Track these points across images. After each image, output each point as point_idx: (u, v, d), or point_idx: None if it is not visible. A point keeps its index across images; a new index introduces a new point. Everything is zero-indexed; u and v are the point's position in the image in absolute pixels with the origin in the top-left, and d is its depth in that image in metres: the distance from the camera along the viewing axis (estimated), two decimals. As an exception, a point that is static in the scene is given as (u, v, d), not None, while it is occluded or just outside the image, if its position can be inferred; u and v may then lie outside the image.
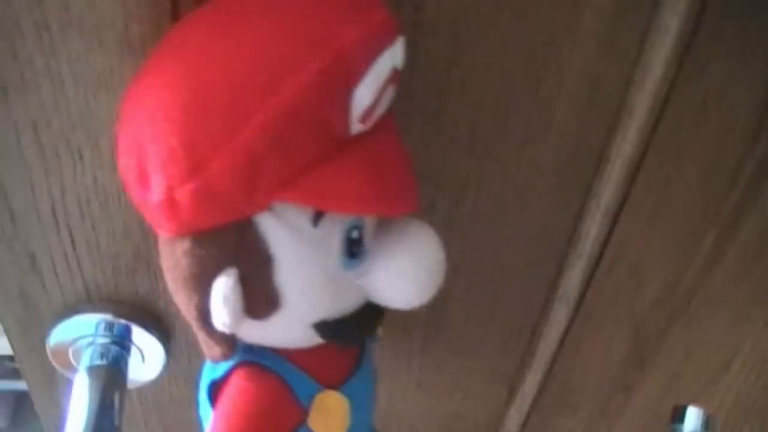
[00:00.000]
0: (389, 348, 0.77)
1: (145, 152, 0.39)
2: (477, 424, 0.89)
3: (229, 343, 0.47)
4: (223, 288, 0.42)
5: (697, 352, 0.82)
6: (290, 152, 0.38)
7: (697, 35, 0.54)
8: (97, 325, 0.66)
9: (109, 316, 0.66)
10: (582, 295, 0.71)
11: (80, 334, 0.67)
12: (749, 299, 0.76)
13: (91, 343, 0.67)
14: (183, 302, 0.45)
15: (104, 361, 0.67)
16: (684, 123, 0.59)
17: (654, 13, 0.53)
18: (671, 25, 0.53)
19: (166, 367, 0.71)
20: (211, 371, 0.52)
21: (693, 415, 0.71)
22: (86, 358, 0.67)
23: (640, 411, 0.89)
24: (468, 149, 0.59)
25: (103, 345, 0.67)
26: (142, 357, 0.70)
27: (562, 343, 0.77)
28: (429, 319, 0.74)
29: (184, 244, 0.42)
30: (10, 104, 0.51)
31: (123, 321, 0.66)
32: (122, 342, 0.67)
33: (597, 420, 0.89)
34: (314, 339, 0.48)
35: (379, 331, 0.60)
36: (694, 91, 0.57)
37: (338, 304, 0.46)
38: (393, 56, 0.40)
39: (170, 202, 0.39)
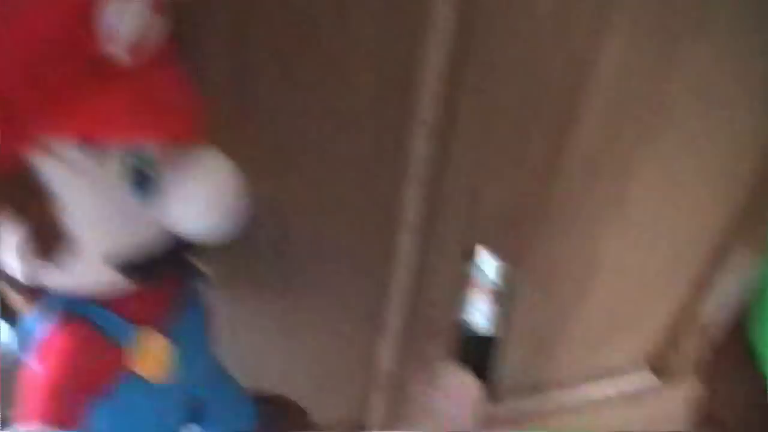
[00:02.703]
0: (245, 299, 0.76)
1: None
2: (349, 363, 0.89)
3: (36, 293, 0.46)
4: (10, 235, 0.41)
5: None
6: (43, 81, 0.37)
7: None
8: None
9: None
10: (425, 220, 0.72)
11: None
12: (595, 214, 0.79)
13: None
14: None
15: None
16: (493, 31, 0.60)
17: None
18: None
19: None
20: (28, 327, 0.51)
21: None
22: None
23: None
24: (278, 80, 0.59)
25: None
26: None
27: (414, 274, 0.77)
28: (279, 263, 0.74)
29: None
30: None
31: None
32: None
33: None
34: (119, 280, 0.47)
35: (207, 271, 0.59)
36: None
37: (135, 239, 0.46)
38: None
39: None
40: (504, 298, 0.88)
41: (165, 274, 0.51)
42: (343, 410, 0.97)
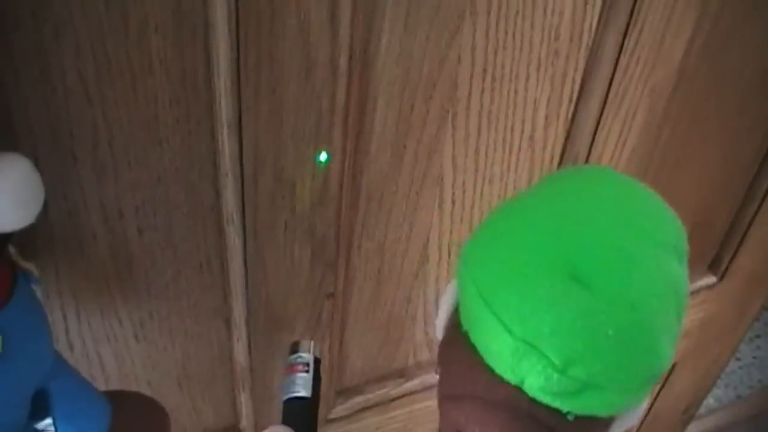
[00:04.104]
0: (94, 309, 0.81)
1: None
2: (210, 363, 0.94)
3: None
4: None
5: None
6: None
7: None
8: None
9: None
10: (243, 214, 0.79)
11: None
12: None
13: None
14: None
15: None
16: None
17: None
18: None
19: None
20: None
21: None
22: None
23: (348, 314, 0.98)
24: (86, 95, 0.65)
25: None
26: None
27: (245, 264, 0.84)
28: (118, 269, 0.79)
29: None
30: None
31: None
32: None
33: (316, 328, 0.97)
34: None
35: (34, 271, 0.64)
36: None
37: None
38: None
39: None
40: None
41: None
42: (215, 415, 1.01)
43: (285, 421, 0.75)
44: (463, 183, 0.94)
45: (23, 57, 0.61)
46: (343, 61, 0.72)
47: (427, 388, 1.13)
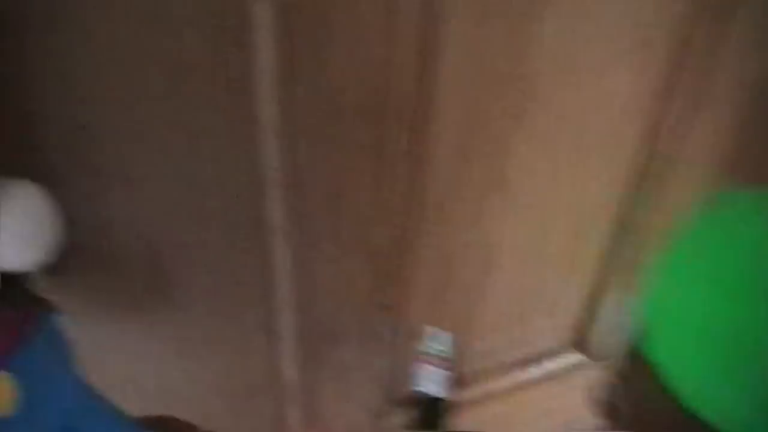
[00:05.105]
0: (132, 328, 0.75)
1: None
2: (254, 378, 0.88)
3: None
4: None
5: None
6: None
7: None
8: None
9: None
10: (291, 224, 0.71)
11: None
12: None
13: None
14: None
15: None
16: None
17: None
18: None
19: None
20: None
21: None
22: None
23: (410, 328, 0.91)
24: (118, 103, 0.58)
25: None
26: None
27: (293, 277, 0.76)
28: (157, 286, 0.72)
29: None
30: None
31: None
32: None
33: (371, 342, 0.90)
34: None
35: (56, 305, 0.57)
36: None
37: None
38: None
39: None
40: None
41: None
42: (260, 428, 0.95)
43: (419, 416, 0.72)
44: (533, 186, 0.85)
45: (44, 63, 0.53)
46: (407, 59, 0.64)
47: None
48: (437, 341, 0.77)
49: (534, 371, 1.12)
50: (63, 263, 0.61)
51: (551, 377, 1.13)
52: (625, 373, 0.52)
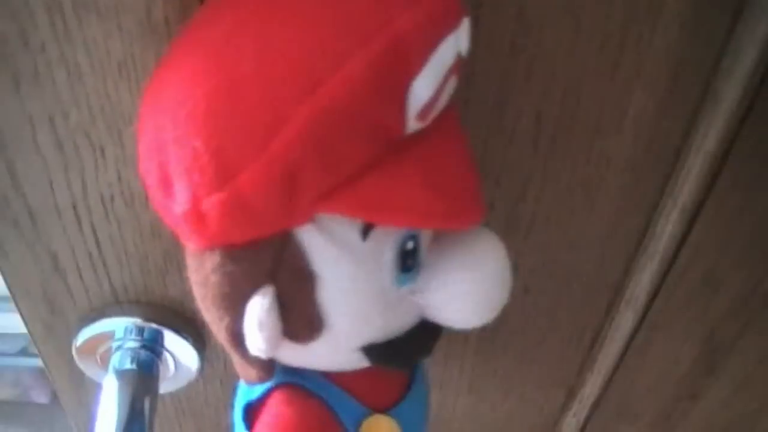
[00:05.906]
0: (441, 352, 0.71)
1: (167, 154, 0.34)
2: (531, 430, 0.83)
3: (266, 366, 0.42)
4: (258, 310, 0.37)
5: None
6: (335, 159, 0.32)
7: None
8: (126, 329, 0.62)
9: (138, 320, 0.61)
10: (651, 300, 0.65)
11: (108, 337, 0.62)
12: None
13: (119, 347, 0.63)
14: (213, 322, 0.40)
15: (134, 366, 0.62)
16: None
17: (749, -9, 0.46)
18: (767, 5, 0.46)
19: (201, 371, 0.67)
20: (246, 392, 0.47)
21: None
22: (115, 363, 0.63)
23: (704, 418, 0.83)
24: (532, 142, 0.53)
25: (133, 349, 0.62)
26: (175, 362, 0.65)
27: (626, 349, 0.70)
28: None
29: (213, 259, 0.36)
30: (23, 97, 0.45)
31: (153, 325, 0.61)
32: (153, 347, 0.63)
33: (659, 428, 0.83)
34: (361, 362, 0.42)
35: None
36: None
37: (389, 326, 0.41)
38: (457, 41, 0.34)
39: (196, 214, 0.34)
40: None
41: (415, 357, 0.46)
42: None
43: None
44: None
45: (480, 83, 0.49)
46: None
47: None
48: None
49: None
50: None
51: None
52: None
